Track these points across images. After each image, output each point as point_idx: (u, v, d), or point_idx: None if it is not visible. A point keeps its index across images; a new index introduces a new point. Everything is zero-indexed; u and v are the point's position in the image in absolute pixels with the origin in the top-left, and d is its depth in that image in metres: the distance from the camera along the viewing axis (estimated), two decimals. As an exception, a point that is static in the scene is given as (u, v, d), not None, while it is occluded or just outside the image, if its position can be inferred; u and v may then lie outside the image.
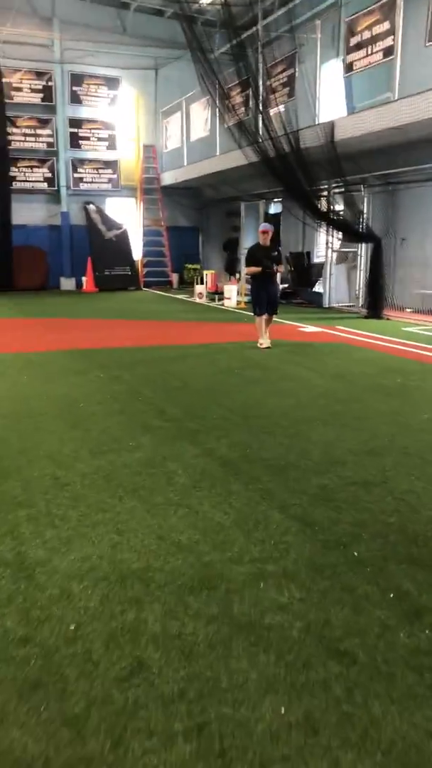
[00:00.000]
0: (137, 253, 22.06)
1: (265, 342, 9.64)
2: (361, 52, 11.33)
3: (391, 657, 2.51)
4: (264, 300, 9.67)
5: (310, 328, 12.05)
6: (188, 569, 3.17)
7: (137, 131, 21.87)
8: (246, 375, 7.83)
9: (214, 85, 15.34)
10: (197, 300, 17.66)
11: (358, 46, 11.39)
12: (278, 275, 9.93)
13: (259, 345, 9.65)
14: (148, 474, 4.44)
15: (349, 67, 11.79)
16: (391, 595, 2.93)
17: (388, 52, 10.72)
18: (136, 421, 5.72)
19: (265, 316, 9.68)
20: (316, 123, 12.80)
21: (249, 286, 19.17)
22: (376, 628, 2.69)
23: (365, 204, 14.16)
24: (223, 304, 16.46)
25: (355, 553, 3.32)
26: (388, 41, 10.65)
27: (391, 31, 10.59)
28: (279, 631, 2.68)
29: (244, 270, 10.05)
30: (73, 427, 5.53)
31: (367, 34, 11.18)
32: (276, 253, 9.75)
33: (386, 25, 10.70)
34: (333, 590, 2.98)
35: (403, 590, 2.97)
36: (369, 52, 11.12)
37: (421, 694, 2.30)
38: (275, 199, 18.87)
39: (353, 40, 11.45)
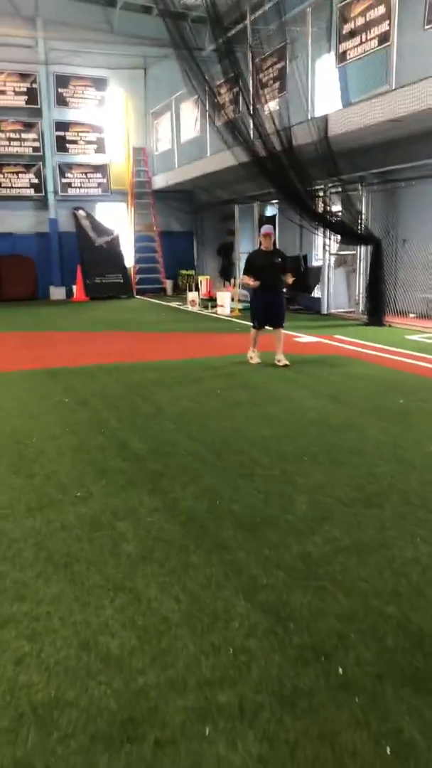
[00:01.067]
0: (129, 259, 21.28)
1: (255, 358, 8.80)
2: (355, 40, 10.48)
3: None
4: (262, 311, 8.70)
5: (306, 338, 11.21)
6: (111, 702, 2.32)
7: (127, 133, 21.10)
8: (229, 397, 6.98)
9: (201, 84, 14.58)
10: (189, 308, 16.83)
11: (352, 34, 10.55)
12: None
13: (249, 359, 8.83)
14: (89, 539, 3.60)
15: (342, 57, 10.94)
16: (388, 750, 2.08)
17: (384, 38, 9.87)
18: (91, 462, 4.87)
19: (260, 332, 8.77)
20: (309, 119, 11.94)
21: (245, 291, 18.37)
22: None
23: (363, 204, 13.30)
24: (216, 312, 15.62)
25: (341, 670, 2.47)
26: (384, 26, 9.81)
27: (387, 15, 9.75)
28: None
29: (241, 279, 9.09)
30: (14, 472, 4.69)
31: (360, 21, 10.35)
32: (280, 259, 8.59)
33: (381, 10, 9.86)
34: (307, 739, 2.13)
35: (405, 739, 2.12)
36: (363, 40, 10.27)
37: None
38: (271, 201, 18.04)
39: (346, 28, 10.61)
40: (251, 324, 8.90)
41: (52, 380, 7.88)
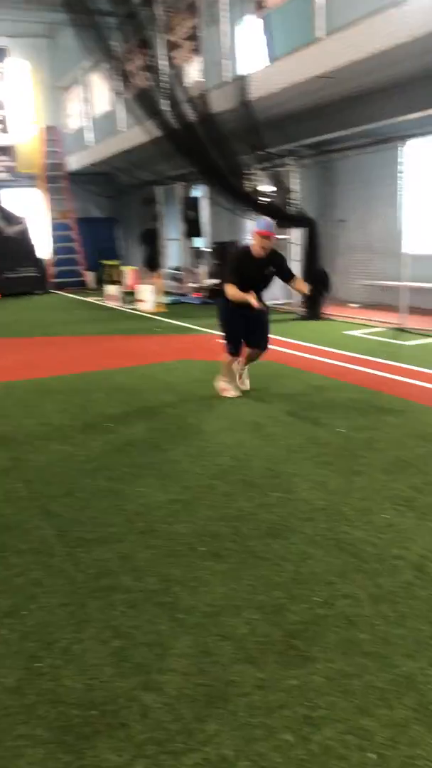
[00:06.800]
0: (46, 250, 19.24)
1: (231, 390, 6.22)
2: (274, -18, 8.80)
3: None
4: (241, 330, 6.05)
5: (232, 339, 9.53)
6: None
7: (36, 111, 18.97)
8: (121, 433, 5.27)
9: (105, 52, 12.75)
10: (108, 303, 14.98)
11: (270, -25, 8.87)
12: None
13: (219, 390, 6.27)
14: None
15: (260, 6, 9.25)
16: None
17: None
18: None
19: (241, 358, 6.29)
20: (226, 80, 10.25)
21: (173, 283, 16.61)
22: None
23: (295, 180, 11.71)
24: (136, 309, 13.83)
25: None
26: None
27: None
28: None
29: (227, 288, 5.73)
30: None
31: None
32: (273, 268, 5.86)
33: None
34: None
35: None
36: (283, -19, 8.60)
37: None
38: (196, 182, 16.28)
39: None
40: (226, 350, 6.14)
41: None
